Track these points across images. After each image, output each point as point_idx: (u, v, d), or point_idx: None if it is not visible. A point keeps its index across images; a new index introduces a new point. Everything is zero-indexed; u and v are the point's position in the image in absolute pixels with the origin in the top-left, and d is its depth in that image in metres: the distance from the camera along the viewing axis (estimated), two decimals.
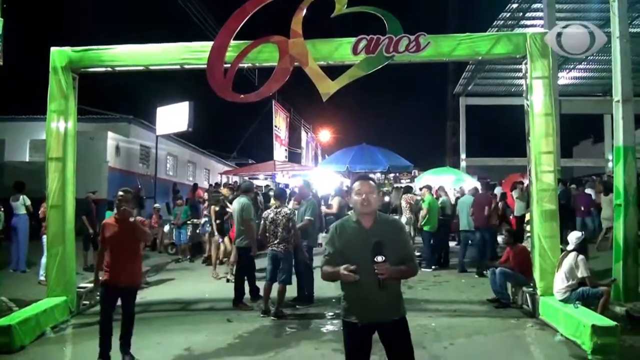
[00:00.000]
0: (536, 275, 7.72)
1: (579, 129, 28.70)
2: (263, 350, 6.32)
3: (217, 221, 11.14)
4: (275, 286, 7.91)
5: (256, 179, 24.84)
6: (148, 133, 23.31)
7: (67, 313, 7.73)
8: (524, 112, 8.24)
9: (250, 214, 8.77)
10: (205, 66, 8.10)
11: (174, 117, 20.71)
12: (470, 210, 11.54)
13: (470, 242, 12.04)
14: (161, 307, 8.75)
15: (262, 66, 8.70)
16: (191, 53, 8.33)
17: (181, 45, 8.40)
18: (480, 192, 12.46)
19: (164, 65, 8.57)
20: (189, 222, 14.38)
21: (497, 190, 15.93)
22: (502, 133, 26.09)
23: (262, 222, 8.17)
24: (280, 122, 26.09)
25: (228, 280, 10.26)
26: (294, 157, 30.48)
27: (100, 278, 5.98)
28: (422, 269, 11.25)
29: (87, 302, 8.43)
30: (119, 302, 5.86)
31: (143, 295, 9.45)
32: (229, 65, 8.15)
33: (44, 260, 9.40)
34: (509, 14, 16.89)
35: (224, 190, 15.05)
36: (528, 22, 17.43)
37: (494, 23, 17.25)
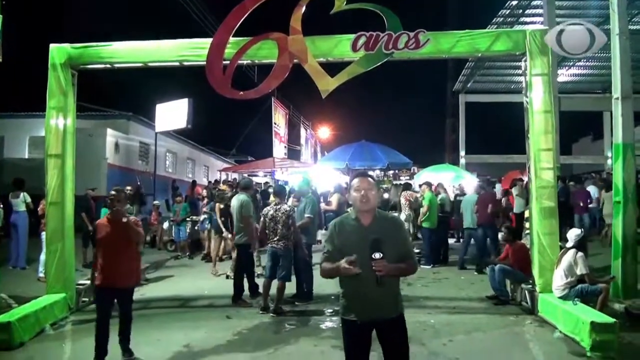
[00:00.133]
0: (535, 272, 7.73)
1: (578, 126, 28.74)
2: (262, 347, 6.33)
3: (222, 218, 11.13)
4: (275, 283, 7.92)
5: (255, 176, 24.84)
6: (147, 130, 23.30)
7: (66, 310, 7.74)
8: (523, 109, 8.23)
9: (249, 211, 8.78)
10: (205, 63, 8.09)
11: (173, 114, 20.69)
12: (474, 208, 11.54)
13: (473, 239, 12.03)
14: (160, 303, 8.76)
15: (261, 63, 8.69)
16: (190, 50, 8.32)
17: (180, 42, 8.38)
18: (485, 190, 12.43)
19: (163, 61, 8.55)
20: (188, 219, 14.39)
21: (497, 188, 15.93)
22: (501, 130, 26.09)
23: (262, 219, 8.18)
24: (279, 119, 26.05)
25: (228, 277, 10.25)
26: (293, 154, 30.44)
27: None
28: (422, 266, 11.27)
29: (87, 299, 8.42)
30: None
31: (142, 292, 9.48)
32: (228, 62, 8.14)
33: (43, 257, 9.40)
34: (508, 10, 16.88)
35: (223, 187, 15.05)
36: (528, 19, 17.43)
37: (494, 20, 17.25)
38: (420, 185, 14.11)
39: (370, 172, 14.18)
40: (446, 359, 5.91)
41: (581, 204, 14.27)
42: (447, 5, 29.51)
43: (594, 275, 7.27)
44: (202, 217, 13.85)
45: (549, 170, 7.79)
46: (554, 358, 6.11)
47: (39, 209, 10.62)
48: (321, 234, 12.87)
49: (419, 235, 13.27)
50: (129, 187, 10.51)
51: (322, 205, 13.31)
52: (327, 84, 8.11)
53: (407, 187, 14.21)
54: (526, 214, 11.20)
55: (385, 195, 16.57)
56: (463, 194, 14.70)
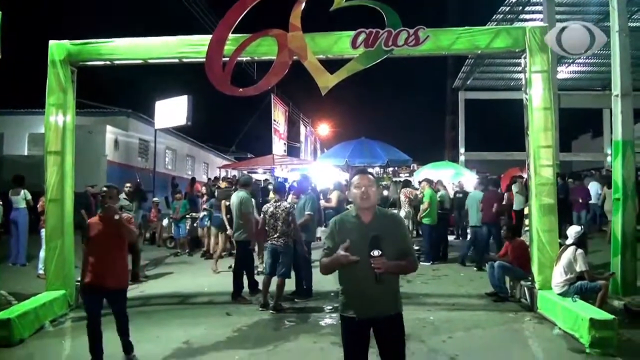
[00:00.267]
0: (534, 269, 7.73)
1: (578, 123, 28.73)
2: (262, 344, 6.34)
3: (228, 216, 11.12)
4: (274, 280, 7.93)
5: (255, 173, 24.83)
6: (147, 127, 23.30)
7: (66, 307, 7.74)
8: (523, 106, 8.23)
9: (248, 207, 8.79)
10: (204, 59, 8.08)
11: (172, 110, 20.67)
12: (479, 205, 11.54)
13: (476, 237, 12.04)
14: (160, 300, 8.76)
15: (260, 60, 8.67)
16: (190, 46, 8.30)
17: (180, 39, 8.36)
18: (490, 188, 12.41)
19: (163, 58, 8.54)
20: (187, 216, 14.39)
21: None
22: (501, 127, 26.11)
23: (262, 216, 8.18)
24: (279, 115, 26.03)
25: (230, 267, 10.03)
26: (292, 151, 30.44)
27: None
28: (421, 263, 11.27)
29: None
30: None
31: (142, 289, 9.51)
32: (227, 58, 8.13)
33: (42, 254, 9.40)
34: (508, 7, 16.84)
35: (223, 184, 15.05)
36: (527, 16, 17.38)
37: (493, 17, 17.21)
38: (420, 182, 14.12)
39: (370, 169, 14.18)
40: (445, 356, 5.91)
41: (580, 201, 14.28)
42: (447, 2, 29.44)
43: (593, 272, 7.28)
44: (201, 214, 13.85)
45: (548, 168, 7.79)
46: (553, 355, 6.12)
47: (38, 206, 10.63)
48: (321, 231, 12.90)
49: (420, 232, 13.28)
50: (128, 184, 10.50)
51: (322, 203, 13.30)
52: (326, 81, 8.10)
53: (407, 184, 14.21)
54: (525, 211, 11.21)
55: (385, 193, 16.59)
56: (463, 191, 14.74)
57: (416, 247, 11.52)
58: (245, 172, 23.72)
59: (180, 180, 22.32)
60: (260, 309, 7.88)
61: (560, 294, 7.10)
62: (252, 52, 8.26)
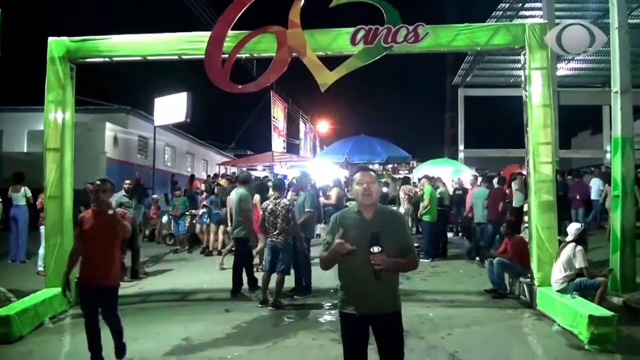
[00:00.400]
0: (534, 266, 7.74)
1: (577, 120, 28.65)
2: (261, 340, 6.34)
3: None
4: (274, 277, 7.93)
5: (254, 170, 24.83)
6: (146, 124, 23.28)
7: (65, 303, 7.72)
8: (522, 103, 8.22)
9: (248, 204, 8.79)
10: (203, 56, 8.07)
11: (172, 107, 20.62)
12: (485, 202, 11.53)
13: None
14: (160, 297, 8.77)
15: (260, 57, 8.68)
16: (189, 43, 8.28)
17: (179, 35, 8.35)
18: (496, 186, 12.42)
19: (162, 55, 8.53)
20: (187, 213, 14.39)
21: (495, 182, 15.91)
22: (500, 124, 26.08)
23: (261, 213, 8.18)
24: (278, 112, 26.04)
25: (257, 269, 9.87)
26: (292, 148, 30.45)
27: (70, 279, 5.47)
28: (421, 260, 11.25)
29: None
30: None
31: (142, 286, 9.52)
32: (226, 55, 8.12)
33: (42, 250, 9.39)
34: (507, 4, 16.84)
35: (222, 181, 15.05)
36: (527, 13, 17.39)
37: (493, 14, 17.20)
38: (419, 179, 14.12)
39: (370, 166, 14.18)
40: (445, 352, 5.92)
41: (577, 197, 14.26)
42: None
43: (592, 269, 7.29)
44: (201, 211, 13.85)
45: (547, 165, 7.78)
46: (552, 351, 6.12)
47: (37, 203, 10.64)
48: (320, 228, 12.91)
49: (420, 229, 13.28)
50: (128, 181, 10.49)
51: (321, 200, 13.30)
52: (326, 78, 8.09)
53: (406, 181, 14.23)
54: (525, 208, 11.21)
55: (384, 190, 16.60)
56: (462, 188, 14.73)
57: (415, 244, 11.50)
58: (244, 169, 23.70)
59: (180, 177, 22.30)
60: (260, 305, 7.89)
61: (559, 291, 7.11)
62: (252, 49, 8.25)
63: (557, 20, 13.73)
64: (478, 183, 13.28)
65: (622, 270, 8.03)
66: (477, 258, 11.33)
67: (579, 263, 7.01)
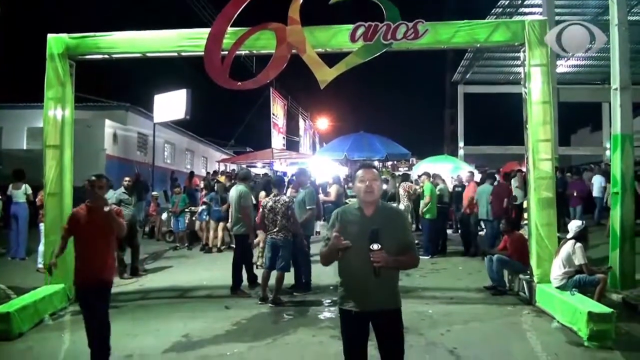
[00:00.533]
0: (533, 262, 7.75)
1: (577, 117, 28.68)
2: (261, 337, 6.35)
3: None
4: (274, 274, 7.94)
5: (254, 166, 24.84)
6: (145, 121, 23.24)
7: (65, 300, 7.74)
8: (522, 100, 8.22)
9: (247, 201, 8.79)
10: (203, 53, 8.06)
11: (171, 104, 20.57)
12: (489, 198, 11.54)
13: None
14: (159, 294, 8.78)
15: (259, 53, 8.66)
16: (188, 40, 8.27)
17: (178, 32, 8.33)
18: (500, 182, 12.40)
19: (162, 52, 8.52)
20: (186, 209, 14.40)
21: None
22: (500, 121, 26.04)
23: (261, 210, 8.19)
24: (277, 109, 26.06)
25: (257, 267, 9.89)
26: (291, 145, 30.48)
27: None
28: (420, 257, 11.26)
29: None
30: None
31: (141, 283, 9.53)
32: (226, 52, 8.11)
33: (41, 247, 9.41)
34: (507, 1, 16.81)
35: (222, 178, 15.05)
36: (526, 10, 17.36)
37: (493, 10, 17.18)
38: (419, 176, 14.11)
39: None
40: (444, 349, 5.93)
41: (574, 194, 14.25)
42: None
43: (591, 266, 7.30)
44: (200, 208, 13.85)
45: (547, 161, 7.78)
46: (551, 348, 6.12)
47: (37, 200, 10.63)
48: (320, 225, 12.91)
49: (420, 226, 13.28)
50: (127, 178, 10.49)
51: (321, 196, 13.31)
52: (325, 75, 8.09)
53: (406, 178, 14.23)
54: (524, 205, 11.21)
55: (384, 187, 16.59)
56: (462, 185, 14.71)
57: (415, 241, 11.50)
58: (244, 166, 23.72)
59: (180, 174, 22.30)
60: (260, 302, 7.90)
61: (558, 287, 7.12)
62: (251, 46, 8.24)
63: (556, 17, 13.81)
64: (474, 179, 13.28)
65: (621, 267, 8.05)
66: (482, 254, 11.28)
67: (578, 260, 7.02)
